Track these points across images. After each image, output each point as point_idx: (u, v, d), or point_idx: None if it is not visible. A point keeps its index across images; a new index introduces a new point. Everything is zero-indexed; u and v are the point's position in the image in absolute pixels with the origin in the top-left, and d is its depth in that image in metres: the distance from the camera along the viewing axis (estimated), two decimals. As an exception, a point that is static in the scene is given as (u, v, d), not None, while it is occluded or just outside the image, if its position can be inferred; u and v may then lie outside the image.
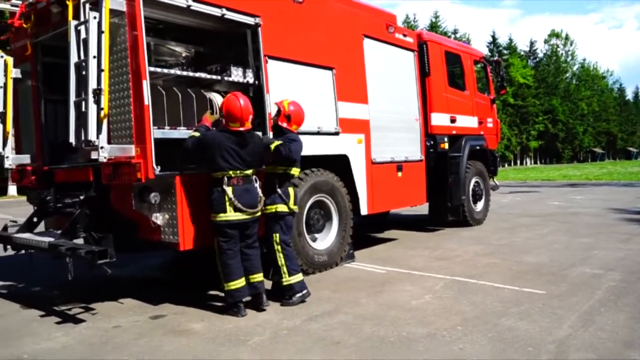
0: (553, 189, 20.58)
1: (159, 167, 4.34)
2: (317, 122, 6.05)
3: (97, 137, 4.15)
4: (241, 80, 5.26)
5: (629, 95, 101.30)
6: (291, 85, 5.71)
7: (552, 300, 4.78)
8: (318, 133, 6.07)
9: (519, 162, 71.39)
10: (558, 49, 77.15)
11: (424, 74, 8.31)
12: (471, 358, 3.50)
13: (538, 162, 75.92)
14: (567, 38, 78.20)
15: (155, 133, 4.37)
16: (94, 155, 4.35)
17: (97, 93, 4.11)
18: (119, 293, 5.42)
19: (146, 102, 4.27)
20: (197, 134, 4.54)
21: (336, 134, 6.33)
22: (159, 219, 4.60)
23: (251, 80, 5.32)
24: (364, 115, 6.84)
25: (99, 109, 4.12)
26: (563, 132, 73.09)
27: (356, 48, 6.78)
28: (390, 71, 7.48)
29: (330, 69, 6.27)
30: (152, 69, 4.43)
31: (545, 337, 3.86)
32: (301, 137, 5.76)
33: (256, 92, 5.34)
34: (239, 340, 3.96)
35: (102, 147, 4.17)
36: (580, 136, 77.06)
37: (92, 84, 4.12)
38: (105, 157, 4.21)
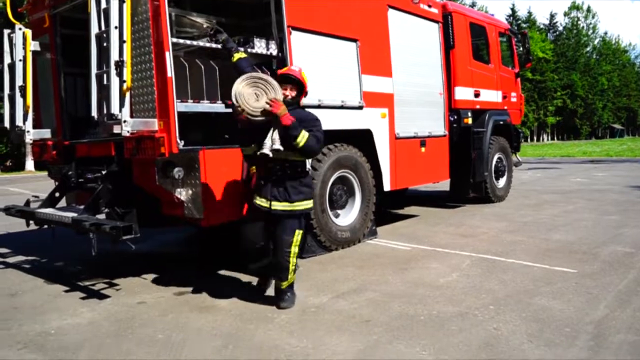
0: (573, 165, 20.22)
1: (182, 141, 4.24)
2: (341, 96, 5.89)
3: (120, 111, 4.06)
4: (264, 52, 5.10)
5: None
6: (315, 57, 5.54)
7: (585, 280, 4.64)
8: (342, 107, 5.91)
9: (535, 138, 70.35)
10: (579, 22, 75.11)
11: (449, 46, 8.05)
12: (506, 339, 3.39)
13: (555, 138, 74.78)
14: (588, 10, 76.04)
15: (179, 106, 4.26)
16: (116, 130, 4.27)
17: (119, 65, 4.00)
18: (140, 269, 5.40)
19: (169, 74, 4.15)
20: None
21: (360, 108, 6.16)
22: (182, 194, 4.52)
23: (274, 52, 5.16)
24: (388, 89, 6.65)
25: (121, 82, 4.01)
26: (582, 107, 71.67)
27: (380, 19, 6.56)
28: (415, 43, 7.25)
29: (355, 40, 6.07)
30: (174, 40, 4.29)
31: (582, 317, 3.74)
32: (325, 111, 5.63)
33: (280, 65, 5.18)
34: (267, 318, 3.90)
35: (124, 121, 4.08)
36: (600, 112, 75.53)
37: (114, 56, 4.00)
38: (128, 131, 4.12)
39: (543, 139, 71.89)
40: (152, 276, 5.17)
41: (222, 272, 5.24)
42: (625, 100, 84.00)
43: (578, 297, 4.17)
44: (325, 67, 5.67)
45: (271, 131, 3.78)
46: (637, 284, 4.49)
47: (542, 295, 4.25)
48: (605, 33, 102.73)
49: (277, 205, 3.92)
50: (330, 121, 5.74)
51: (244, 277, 4.99)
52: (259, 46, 5.06)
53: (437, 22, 7.72)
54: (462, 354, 3.19)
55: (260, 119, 3.73)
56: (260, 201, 3.96)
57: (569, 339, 3.37)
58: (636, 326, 3.54)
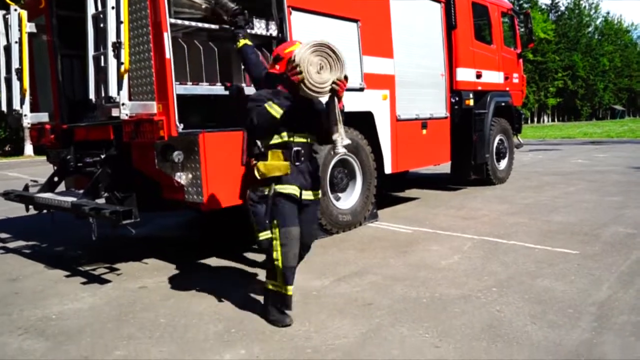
0: (574, 146, 20.14)
1: (182, 124, 4.18)
2: (342, 78, 5.80)
3: (118, 94, 3.99)
4: (264, 32, 5.01)
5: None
6: (316, 38, 5.43)
7: (587, 261, 4.63)
8: (342, 89, 5.83)
9: (536, 119, 70.06)
10: (581, 2, 74.22)
11: (450, 26, 7.93)
12: (509, 320, 3.38)
13: (556, 119, 74.49)
14: (590, -10, 75.14)
15: (178, 89, 4.18)
16: (114, 113, 4.21)
17: (117, 47, 3.92)
18: (141, 253, 5.38)
19: (167, 56, 4.07)
20: None
21: (361, 89, 6.09)
22: (182, 178, 4.47)
23: (274, 33, 5.07)
24: (389, 70, 6.57)
25: (119, 64, 3.94)
26: (583, 88, 71.16)
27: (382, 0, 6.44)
28: (416, 24, 7.14)
29: (356, 21, 5.97)
30: (172, 20, 4.20)
31: (585, 298, 3.73)
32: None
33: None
34: (268, 301, 3.88)
35: (123, 104, 4.01)
36: (601, 93, 75.01)
37: (112, 37, 3.92)
38: (126, 115, 4.05)
39: (544, 121, 71.61)
40: (152, 260, 5.16)
41: (223, 256, 5.23)
42: (627, 81, 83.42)
43: (580, 279, 4.15)
44: (325, 48, 5.59)
45: (338, 120, 3.30)
46: (639, 265, 4.48)
47: (545, 277, 4.24)
48: (608, 13, 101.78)
49: (308, 195, 3.48)
50: (330, 103, 5.68)
51: (245, 262, 4.98)
52: (259, 27, 4.97)
53: (439, 1, 7.60)
54: (465, 336, 3.18)
55: (314, 95, 3.29)
56: (292, 189, 3.39)
57: (572, 320, 3.36)
58: (639, 307, 3.53)
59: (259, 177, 3.36)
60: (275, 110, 3.25)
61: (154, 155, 4.41)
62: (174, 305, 3.89)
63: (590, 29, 75.45)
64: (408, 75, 6.90)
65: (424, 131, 7.33)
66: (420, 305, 3.71)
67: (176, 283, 4.43)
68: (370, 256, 5.04)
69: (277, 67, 3.57)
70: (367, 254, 5.11)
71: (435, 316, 3.50)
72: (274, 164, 3.35)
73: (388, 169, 6.70)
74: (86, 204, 4.39)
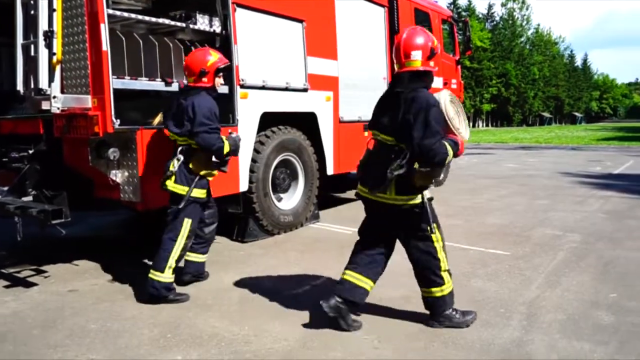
0: (506, 151, 21.10)
1: (118, 120, 4.01)
2: (286, 78, 5.78)
3: (49, 86, 3.78)
4: (207, 29, 4.89)
5: (578, 62, 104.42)
6: (260, 37, 5.39)
7: (518, 262, 4.84)
8: (286, 89, 5.81)
9: (471, 124, 72.79)
10: (514, 13, 77.85)
11: (394, 31, 8.06)
12: (446, 321, 3.47)
13: (490, 125, 77.70)
14: (523, 2, 78.73)
15: (115, 83, 4.00)
16: (45, 106, 3.97)
17: (49, 36, 3.71)
18: (72, 255, 5.11)
19: (104, 48, 3.88)
20: None
21: (305, 90, 6.08)
22: (118, 176, 4.29)
23: (218, 30, 4.96)
24: (333, 72, 6.60)
25: (51, 54, 3.73)
26: (515, 96, 74.65)
27: (327, 1, 6.46)
28: (361, 27, 7.21)
29: (301, 21, 5.95)
30: (110, 11, 4.01)
31: (516, 298, 3.90)
32: (269, 92, 5.53)
33: (223, 43, 4.99)
34: (206, 305, 3.80)
35: (54, 97, 3.80)
36: (531, 100, 78.99)
37: (43, 26, 3.71)
38: (58, 108, 3.84)
39: (478, 125, 74.51)
40: (84, 262, 4.91)
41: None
42: (554, 90, 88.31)
43: (512, 279, 4.34)
44: (270, 48, 5.54)
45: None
46: (565, 265, 4.74)
47: (479, 277, 4.39)
48: (539, 25, 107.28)
49: None
50: (274, 103, 5.64)
51: (182, 264, 4.83)
52: (202, 22, 4.85)
53: (383, 6, 7.71)
54: (404, 337, 3.24)
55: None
56: None
57: (504, 319, 3.50)
58: (564, 306, 3.72)
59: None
60: None
61: (88, 152, 4.19)
62: (106, 309, 3.72)
63: (522, 39, 79.19)
64: (352, 78, 6.96)
65: (366, 133, 7.41)
66: (363, 307, 3.73)
67: (109, 286, 4.24)
68: (311, 257, 5.04)
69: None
70: (308, 255, 5.11)
71: (374, 317, 3.54)
72: None
73: (330, 170, 6.73)
74: (12, 202, 4.13)
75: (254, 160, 5.49)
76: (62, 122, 4.08)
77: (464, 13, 65.59)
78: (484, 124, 76.00)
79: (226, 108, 5.11)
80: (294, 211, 6.16)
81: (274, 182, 5.91)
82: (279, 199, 6.12)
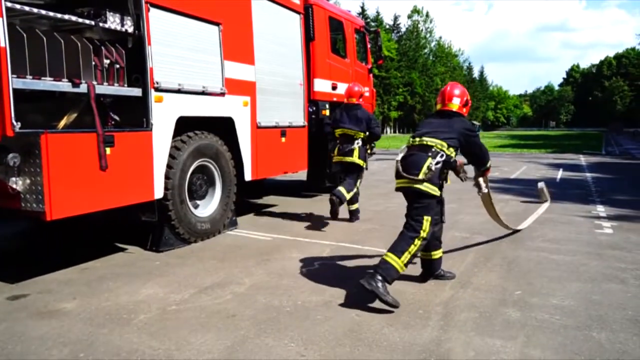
0: (414, 157, 22.00)
1: (19, 123, 3.69)
2: (202, 81, 5.64)
3: (-64, 84, 3.38)
4: (119, 28, 4.64)
5: (476, 74, 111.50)
6: (175, 38, 5.22)
7: (432, 264, 5.05)
8: (203, 93, 5.66)
9: (382, 131, 75.27)
10: (419, 25, 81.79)
11: (309, 38, 8.18)
12: (368, 324, 3.55)
13: (397, 131, 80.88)
14: (427, 15, 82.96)
15: (15, 82, 3.68)
16: None
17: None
18: (-36, 270, 4.62)
19: (2, 44, 3.56)
20: None
21: (222, 94, 5.96)
22: (18, 184, 3.94)
23: (130, 30, 4.73)
24: (251, 77, 6.53)
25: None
26: (420, 104, 78.33)
27: (244, 4, 6.38)
28: (277, 33, 7.22)
29: (217, 24, 5.82)
30: (9, 4, 3.68)
31: (432, 299, 4.07)
32: (185, 96, 5.38)
33: (136, 43, 4.77)
34: (122, 320, 3.58)
35: (-58, 97, 3.41)
36: (434, 108, 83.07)
37: None
38: (-53, 109, 3.45)
39: (387, 132, 77.22)
40: (-23, 278, 4.45)
41: (68, 270, 4.71)
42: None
43: (428, 281, 4.52)
44: (186, 50, 5.38)
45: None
46: (474, 265, 5.02)
47: (397, 281, 4.51)
48: (440, 37, 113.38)
49: None
50: (190, 107, 5.49)
51: (93, 275, 4.55)
52: (113, 21, 4.59)
53: (298, 13, 7.77)
54: (329, 342, 3.25)
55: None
56: None
57: (423, 320, 3.64)
58: (476, 304, 3.94)
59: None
60: None
61: (-17, 158, 3.82)
62: (6, 330, 3.38)
63: (426, 51, 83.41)
64: (269, 83, 6.94)
65: (283, 139, 7.43)
66: (284, 314, 3.71)
67: (9, 304, 3.87)
68: (231, 265, 4.93)
69: None
70: (227, 264, 5.00)
71: (299, 324, 3.53)
72: None
73: (248, 176, 6.65)
74: None
75: (169, 166, 5.29)
76: (-48, 124, 3.68)
77: (372, 23, 67.86)
78: (392, 131, 78.95)
79: (140, 112, 4.90)
80: (211, 218, 6.00)
81: (190, 188, 5.73)
82: (196, 206, 5.94)
